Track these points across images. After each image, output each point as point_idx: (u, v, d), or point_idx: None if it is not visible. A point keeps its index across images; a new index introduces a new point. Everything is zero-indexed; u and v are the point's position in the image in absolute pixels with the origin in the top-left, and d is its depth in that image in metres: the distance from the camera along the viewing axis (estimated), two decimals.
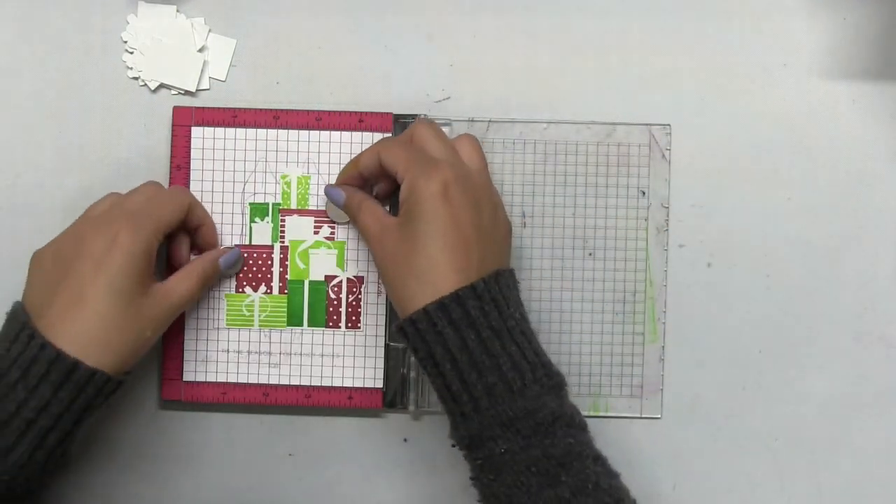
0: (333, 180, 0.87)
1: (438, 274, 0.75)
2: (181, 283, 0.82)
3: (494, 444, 0.73)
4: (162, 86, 0.89)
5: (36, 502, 0.78)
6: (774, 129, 0.89)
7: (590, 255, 0.88)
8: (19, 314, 0.77)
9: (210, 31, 0.89)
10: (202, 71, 0.89)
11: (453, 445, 0.76)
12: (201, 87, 0.89)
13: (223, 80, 0.89)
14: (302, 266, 0.87)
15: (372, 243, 0.80)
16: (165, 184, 0.88)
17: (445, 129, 0.88)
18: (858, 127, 0.88)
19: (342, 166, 0.87)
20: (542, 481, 0.72)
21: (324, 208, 0.88)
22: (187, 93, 0.88)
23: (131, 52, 0.89)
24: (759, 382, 0.88)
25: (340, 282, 0.88)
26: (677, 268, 0.88)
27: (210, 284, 0.86)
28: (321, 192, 0.87)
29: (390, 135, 0.87)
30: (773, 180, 0.88)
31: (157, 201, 0.82)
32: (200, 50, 0.88)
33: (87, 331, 0.76)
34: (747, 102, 0.89)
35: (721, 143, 0.88)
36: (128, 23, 0.89)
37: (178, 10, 0.89)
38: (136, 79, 0.89)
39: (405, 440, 0.89)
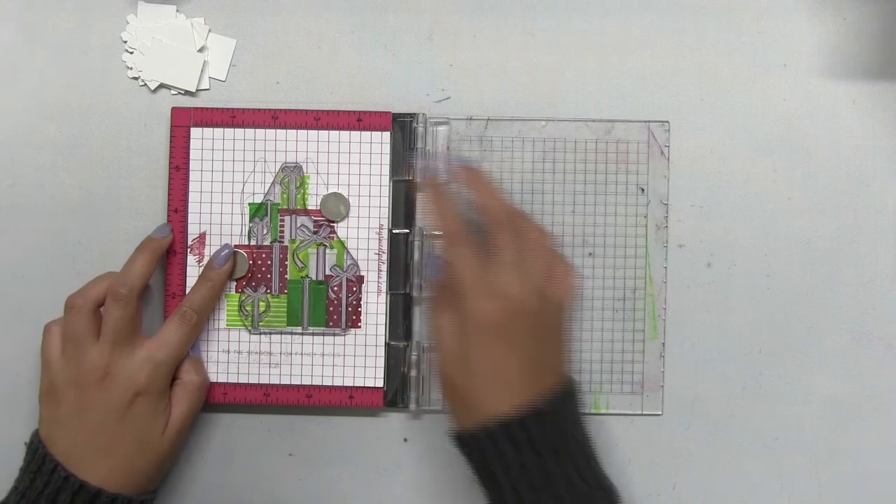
0: (332, 180, 0.87)
1: (492, 403, 0.75)
2: (180, 401, 0.85)
3: None
4: (162, 86, 0.89)
5: None
6: (774, 129, 0.88)
7: (590, 253, 0.88)
8: (38, 447, 0.81)
9: (210, 31, 0.89)
10: (202, 71, 0.89)
11: None
12: (201, 88, 0.89)
13: (223, 80, 0.89)
14: (301, 266, 0.87)
15: (443, 351, 0.79)
16: (166, 186, 0.88)
17: (443, 128, 0.88)
18: (858, 127, 0.88)
19: (340, 166, 0.87)
20: None
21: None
22: (187, 93, 0.88)
23: (131, 52, 0.89)
24: (759, 382, 0.88)
25: (340, 281, 0.87)
26: (677, 267, 0.88)
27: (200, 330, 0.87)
28: (320, 191, 0.87)
29: (388, 133, 0.87)
30: (773, 180, 0.88)
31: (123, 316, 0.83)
32: (200, 50, 0.89)
33: (111, 468, 0.81)
34: (747, 102, 0.89)
35: (721, 143, 0.88)
36: (128, 23, 0.89)
37: (178, 10, 0.89)
38: (136, 79, 0.89)
39: (405, 440, 0.89)
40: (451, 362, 0.77)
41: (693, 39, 0.89)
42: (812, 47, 0.89)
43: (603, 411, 0.88)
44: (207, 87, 0.89)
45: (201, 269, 0.87)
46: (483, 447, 0.74)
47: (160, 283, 0.88)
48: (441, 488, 0.89)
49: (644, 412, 0.88)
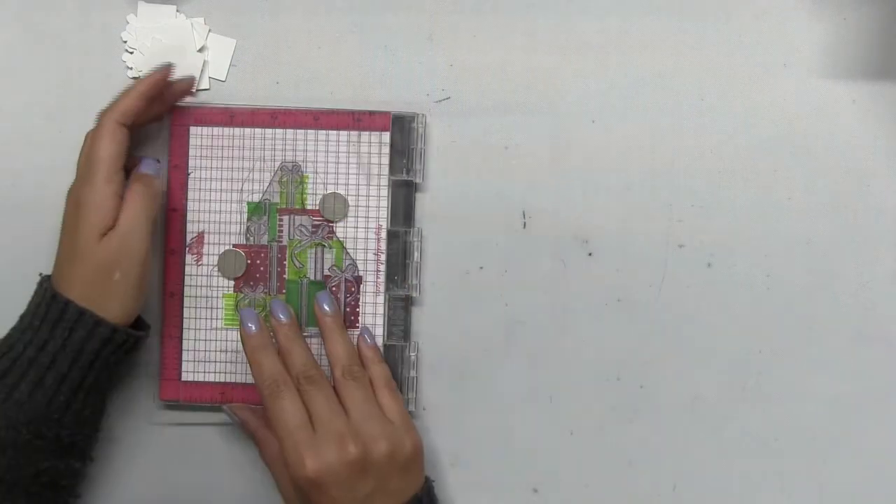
0: (331, 180, 0.87)
1: None
2: (123, 213, 0.82)
3: None
4: None
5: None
6: (774, 129, 0.88)
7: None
8: (45, 280, 0.83)
9: (210, 31, 0.89)
10: (202, 71, 0.89)
11: None
12: (201, 88, 0.89)
13: (223, 80, 0.89)
14: (300, 266, 0.87)
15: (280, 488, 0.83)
16: (165, 186, 0.88)
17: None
18: (858, 127, 0.88)
19: (339, 166, 0.87)
20: None
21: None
22: None
23: (131, 52, 0.89)
24: (759, 382, 0.88)
25: (338, 281, 0.87)
26: (677, 268, 0.88)
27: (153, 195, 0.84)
28: (319, 191, 0.88)
29: (388, 133, 0.87)
30: (773, 180, 0.88)
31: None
32: (200, 50, 0.89)
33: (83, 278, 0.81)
34: (747, 102, 0.89)
35: (721, 143, 0.88)
36: (128, 23, 0.89)
37: (178, 10, 0.89)
38: (136, 79, 0.89)
39: None
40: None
41: (693, 39, 0.89)
42: (812, 47, 0.89)
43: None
44: (207, 87, 0.89)
45: (199, 268, 0.88)
46: None
47: (158, 281, 0.88)
48: (441, 489, 0.89)
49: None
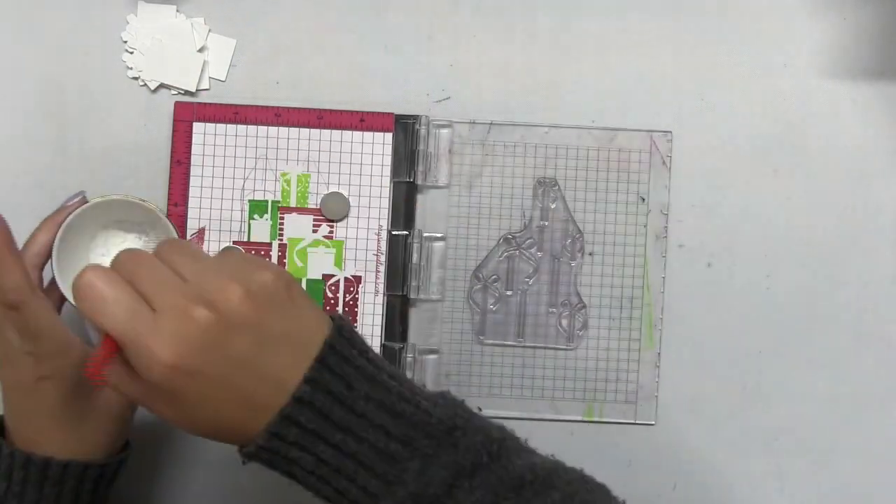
0: (333, 179, 0.87)
1: (244, 420, 0.64)
2: None
3: None
4: (162, 86, 0.89)
5: None
6: (774, 129, 0.88)
7: (589, 253, 0.88)
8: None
9: (210, 31, 0.89)
10: (202, 71, 0.89)
11: None
12: (201, 87, 0.89)
13: (223, 80, 0.89)
14: (300, 264, 0.87)
15: (143, 406, 0.66)
16: (166, 187, 0.88)
17: (446, 131, 0.88)
18: (858, 127, 0.88)
19: (342, 165, 0.87)
20: None
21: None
22: (187, 93, 0.88)
23: (131, 52, 0.89)
24: (759, 382, 0.88)
25: (338, 281, 0.87)
26: (677, 268, 0.88)
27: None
28: (321, 190, 0.87)
29: (390, 134, 0.87)
30: (773, 180, 0.88)
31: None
32: (200, 50, 0.88)
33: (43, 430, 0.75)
34: (747, 102, 0.89)
35: (721, 143, 0.88)
36: (128, 23, 0.89)
37: (178, 10, 0.89)
38: (136, 79, 0.89)
39: None
40: (181, 421, 0.64)
41: (693, 40, 0.89)
42: (812, 47, 0.89)
43: (596, 419, 0.88)
44: (207, 87, 0.89)
45: None
46: (271, 461, 0.65)
47: None
48: None
49: (637, 421, 0.88)
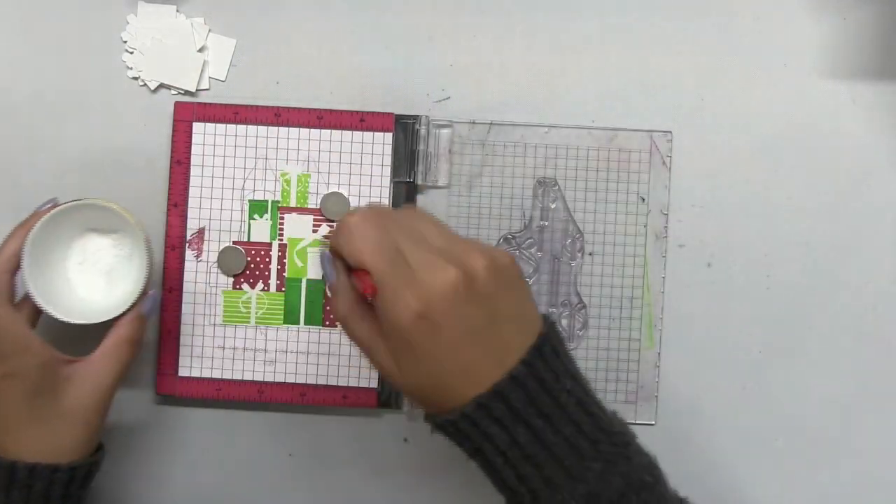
0: (333, 179, 0.87)
1: (465, 386, 0.67)
2: (105, 363, 0.79)
3: None
4: (162, 86, 0.89)
5: None
6: (774, 129, 0.89)
7: (589, 253, 0.88)
8: None
9: (210, 31, 0.89)
10: (202, 71, 0.89)
11: None
12: (201, 87, 0.89)
13: (223, 80, 0.89)
14: (300, 264, 0.87)
15: (363, 349, 0.71)
16: (166, 187, 0.88)
17: (446, 131, 0.88)
18: (858, 127, 0.88)
19: (342, 165, 0.87)
20: None
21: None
22: (187, 93, 0.88)
23: (131, 52, 0.89)
24: (759, 382, 0.88)
25: None
26: (677, 268, 0.88)
27: (139, 345, 0.81)
28: (321, 190, 0.87)
29: (390, 134, 0.87)
30: (773, 180, 0.88)
31: None
32: (200, 50, 0.89)
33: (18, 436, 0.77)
34: (747, 102, 0.89)
35: (721, 143, 0.88)
36: (128, 23, 0.89)
37: (178, 10, 0.89)
38: (136, 79, 0.89)
39: (405, 440, 0.89)
40: (396, 371, 0.69)
41: (693, 40, 0.89)
42: (812, 47, 0.89)
43: None
44: (207, 87, 0.89)
45: (199, 264, 0.88)
46: (467, 433, 0.67)
47: (158, 277, 0.88)
48: (441, 489, 0.89)
49: (637, 421, 0.88)
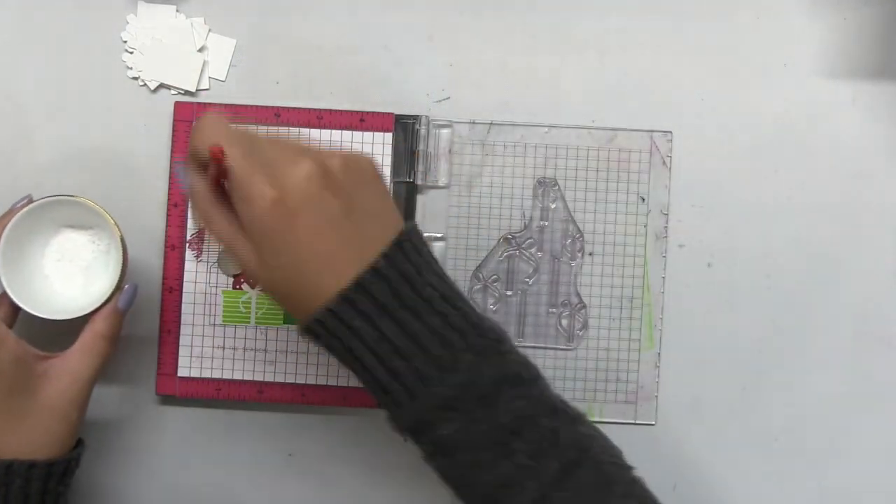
0: None
1: (327, 280, 0.68)
2: (82, 358, 0.80)
3: (438, 427, 0.68)
4: (162, 86, 0.89)
5: None
6: (774, 129, 0.89)
7: (590, 253, 0.88)
8: None
9: (210, 31, 0.89)
10: (202, 71, 0.89)
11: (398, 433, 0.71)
12: (201, 87, 0.89)
13: (223, 80, 0.89)
14: None
15: (225, 245, 0.71)
16: (165, 179, 0.88)
17: (446, 131, 0.88)
18: (858, 127, 0.88)
19: None
20: (497, 453, 0.68)
21: None
22: (187, 92, 0.88)
23: (131, 52, 0.89)
24: (759, 382, 0.88)
25: None
26: (677, 268, 0.88)
27: (116, 339, 0.81)
28: None
29: (390, 134, 0.87)
30: (773, 180, 0.88)
31: None
32: (200, 50, 0.89)
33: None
34: (747, 103, 0.89)
35: (721, 143, 0.88)
36: (128, 23, 0.89)
37: (177, 10, 0.89)
38: (136, 79, 0.89)
39: (405, 440, 0.89)
40: (257, 265, 0.69)
41: (693, 40, 0.89)
42: (812, 47, 0.89)
43: (596, 419, 0.88)
44: (207, 86, 0.89)
45: (199, 264, 0.88)
46: (334, 330, 0.68)
47: (158, 277, 0.88)
48: (440, 489, 0.88)
49: (637, 422, 0.88)
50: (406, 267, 0.69)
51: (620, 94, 0.89)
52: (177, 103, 0.88)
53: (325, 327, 0.68)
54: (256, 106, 0.88)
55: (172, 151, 0.88)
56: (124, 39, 0.89)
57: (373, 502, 0.89)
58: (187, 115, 0.88)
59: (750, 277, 0.88)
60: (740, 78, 0.89)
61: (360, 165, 0.71)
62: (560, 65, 0.89)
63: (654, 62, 0.89)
